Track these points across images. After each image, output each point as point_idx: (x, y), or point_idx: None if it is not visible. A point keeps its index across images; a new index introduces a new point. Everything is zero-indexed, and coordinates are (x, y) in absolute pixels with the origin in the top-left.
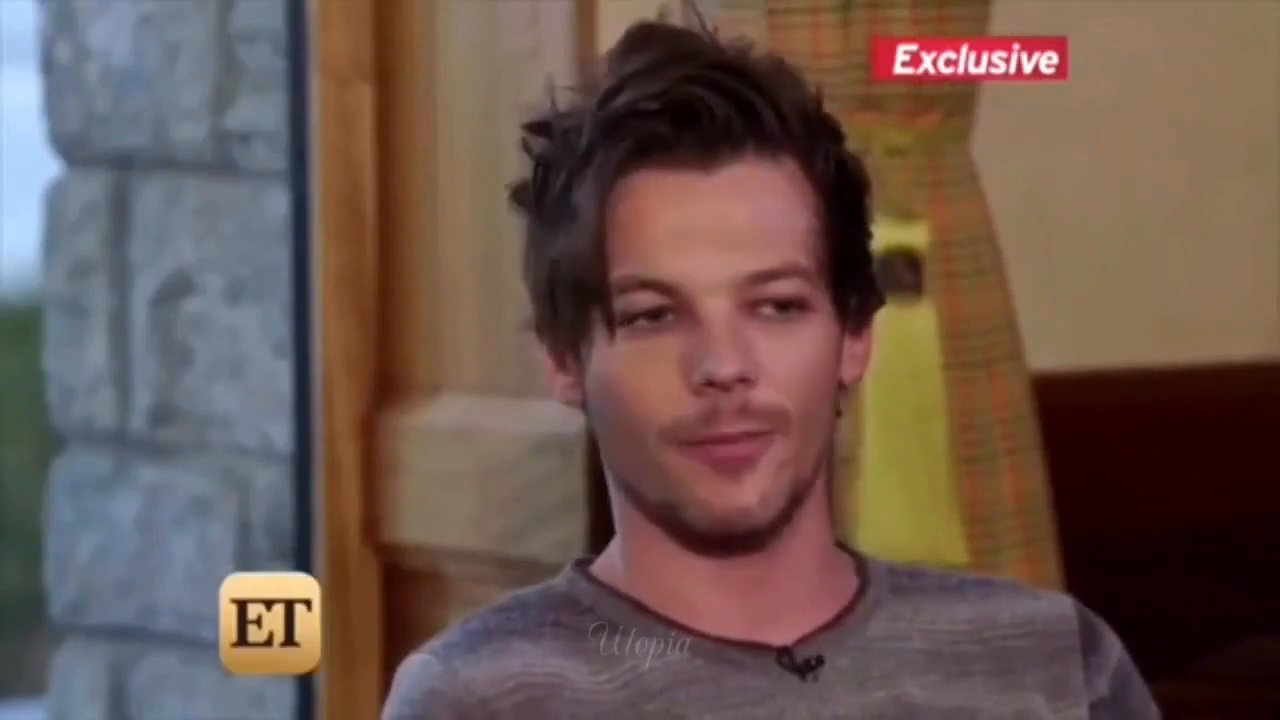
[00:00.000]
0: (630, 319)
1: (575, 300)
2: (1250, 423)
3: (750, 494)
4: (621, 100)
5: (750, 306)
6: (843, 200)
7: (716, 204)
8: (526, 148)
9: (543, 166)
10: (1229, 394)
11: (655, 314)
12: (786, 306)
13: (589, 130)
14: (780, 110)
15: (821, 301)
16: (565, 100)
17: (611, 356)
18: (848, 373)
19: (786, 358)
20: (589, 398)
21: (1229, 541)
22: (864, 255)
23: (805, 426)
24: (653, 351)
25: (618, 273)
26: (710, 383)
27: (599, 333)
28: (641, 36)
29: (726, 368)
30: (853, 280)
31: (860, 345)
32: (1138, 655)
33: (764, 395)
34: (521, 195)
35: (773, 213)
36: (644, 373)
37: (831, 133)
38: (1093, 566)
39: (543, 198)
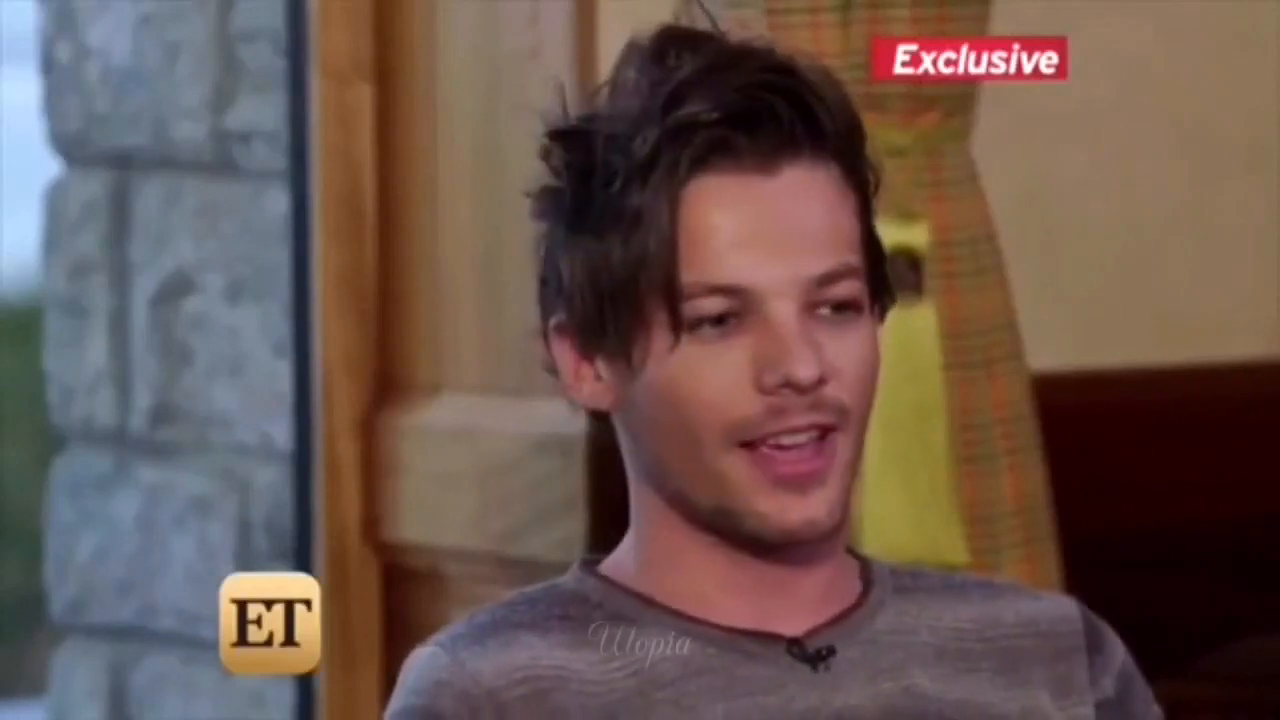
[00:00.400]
0: (695, 324)
1: (634, 305)
2: (1250, 422)
3: (818, 507)
4: (687, 108)
5: (811, 308)
6: (869, 200)
7: (779, 207)
8: (546, 155)
9: (581, 172)
10: (1229, 394)
11: (720, 319)
12: (843, 307)
13: (651, 137)
14: (831, 112)
15: (866, 301)
16: (576, 107)
17: (673, 361)
18: None
19: (848, 357)
20: (637, 402)
21: (1229, 541)
22: (883, 253)
23: (860, 425)
24: (719, 355)
25: (685, 278)
26: (788, 385)
27: (658, 338)
28: (670, 41)
29: (808, 370)
30: (881, 277)
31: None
32: (1138, 655)
33: (832, 392)
34: (549, 201)
35: (828, 214)
36: (709, 375)
37: (863, 133)
38: (1092, 566)
39: (584, 204)
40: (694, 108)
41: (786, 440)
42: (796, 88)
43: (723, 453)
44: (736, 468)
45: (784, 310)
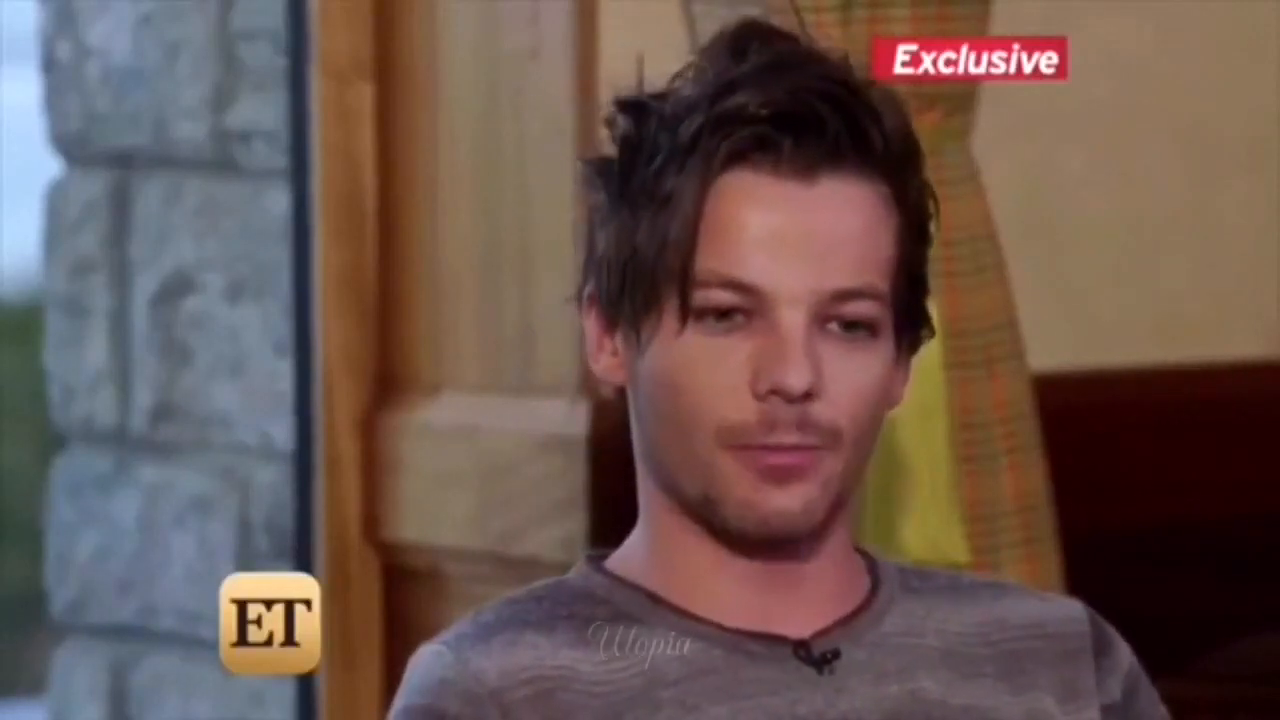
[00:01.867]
0: (702, 314)
1: (650, 285)
2: (1250, 422)
3: (795, 500)
4: (735, 99)
5: (822, 321)
6: (920, 229)
7: (812, 216)
8: (609, 123)
9: (631, 147)
10: (1229, 393)
11: (727, 313)
12: (855, 326)
13: (696, 122)
14: (885, 133)
15: (888, 327)
16: (655, 84)
17: (677, 348)
18: (891, 400)
19: (850, 378)
20: (640, 383)
21: (1229, 540)
22: (925, 285)
23: (855, 447)
24: (721, 350)
25: (702, 266)
26: (777, 391)
27: (667, 321)
28: (751, 35)
29: (799, 380)
30: (916, 309)
31: (904, 373)
32: (1138, 654)
33: (823, 411)
34: (601, 169)
35: (863, 233)
36: (709, 370)
37: (921, 163)
38: (1093, 565)
39: (629, 177)
40: (741, 100)
41: (773, 444)
42: (849, 101)
43: (717, 450)
44: (725, 462)
45: (792, 318)
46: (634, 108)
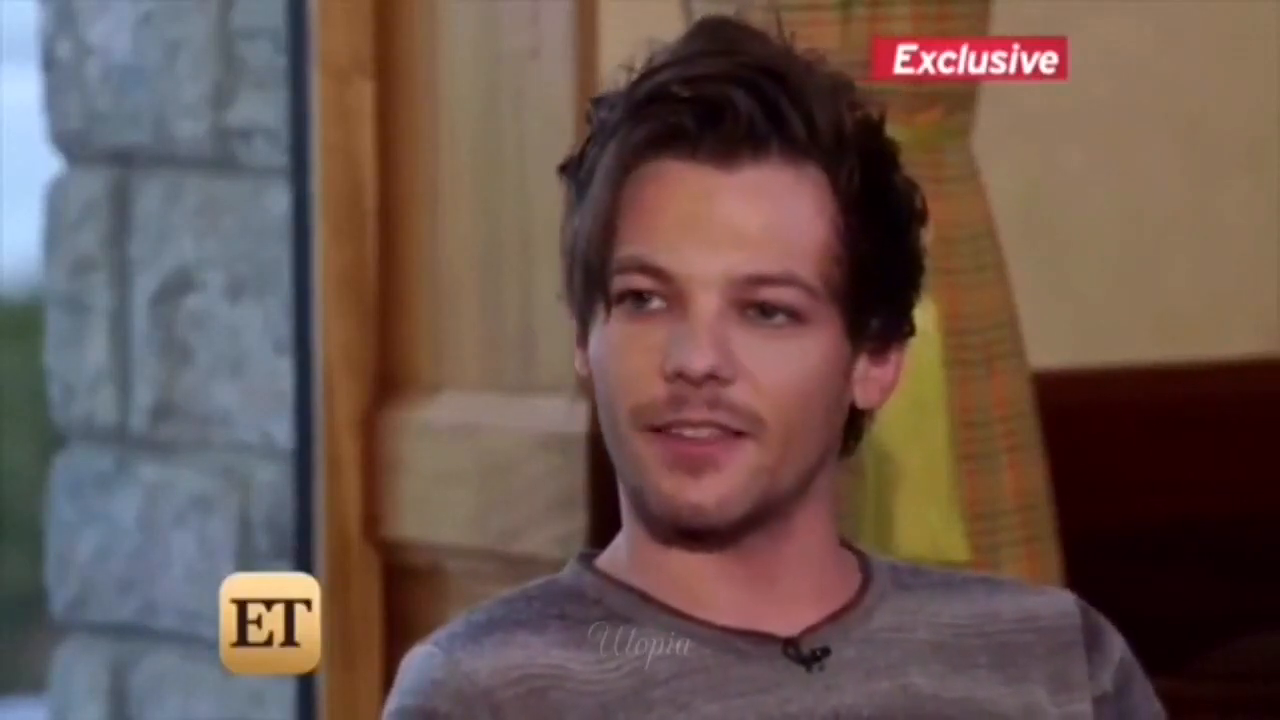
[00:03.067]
0: (622, 298)
1: (584, 273)
2: (1250, 420)
3: (707, 494)
4: (650, 85)
5: (740, 307)
6: (871, 220)
7: (729, 203)
8: (588, 118)
9: (589, 140)
10: (1229, 391)
11: (646, 298)
12: (775, 313)
13: (620, 110)
14: (812, 120)
15: (825, 317)
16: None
17: (605, 334)
18: (866, 397)
19: (772, 364)
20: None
21: (1229, 538)
22: (895, 280)
23: (785, 436)
24: (640, 335)
25: (621, 252)
26: (681, 374)
27: (599, 310)
28: (703, 28)
29: (698, 362)
30: (873, 303)
31: (883, 371)
32: (1138, 652)
33: (738, 394)
34: (567, 167)
35: (785, 220)
36: (628, 354)
37: (870, 153)
38: (1093, 563)
39: (579, 170)
40: (658, 83)
41: (688, 433)
42: (767, 86)
43: (633, 433)
44: (641, 446)
45: (705, 302)
46: (600, 101)
